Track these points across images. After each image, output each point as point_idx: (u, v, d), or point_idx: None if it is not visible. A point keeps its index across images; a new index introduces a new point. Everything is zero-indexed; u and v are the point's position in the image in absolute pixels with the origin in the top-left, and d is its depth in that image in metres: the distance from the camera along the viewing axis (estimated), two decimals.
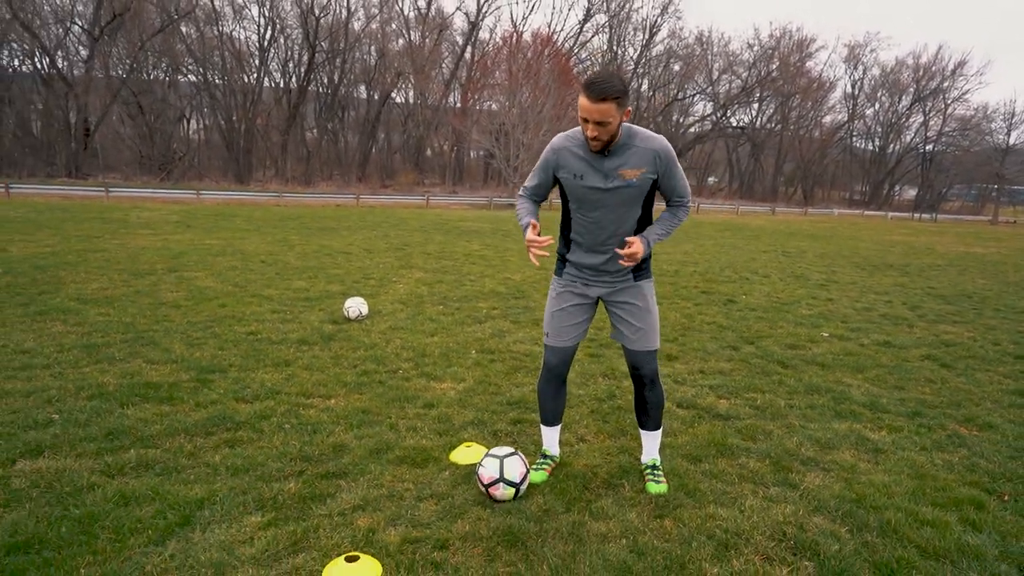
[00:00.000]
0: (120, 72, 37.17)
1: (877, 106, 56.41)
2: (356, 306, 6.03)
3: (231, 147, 40.44)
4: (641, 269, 2.84)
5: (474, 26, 45.02)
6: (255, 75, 41.09)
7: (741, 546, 2.47)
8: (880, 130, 56.87)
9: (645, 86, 51.54)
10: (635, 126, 2.58)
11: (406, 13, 45.33)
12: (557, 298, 2.90)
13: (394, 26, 44.49)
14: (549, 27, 48.35)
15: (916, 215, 46.77)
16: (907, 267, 12.75)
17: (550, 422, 3.07)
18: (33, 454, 3.01)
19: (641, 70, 50.69)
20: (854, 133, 58.10)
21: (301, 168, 42.35)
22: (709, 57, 52.10)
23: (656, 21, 51.51)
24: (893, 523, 2.66)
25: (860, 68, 60.13)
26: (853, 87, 56.41)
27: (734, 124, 54.12)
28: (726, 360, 5.14)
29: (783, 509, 2.76)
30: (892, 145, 57.00)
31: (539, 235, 2.64)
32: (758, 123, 54.57)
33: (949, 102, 54.06)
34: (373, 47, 44.31)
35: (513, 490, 2.72)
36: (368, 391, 4.08)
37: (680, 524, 2.62)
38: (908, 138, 56.69)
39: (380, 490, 2.80)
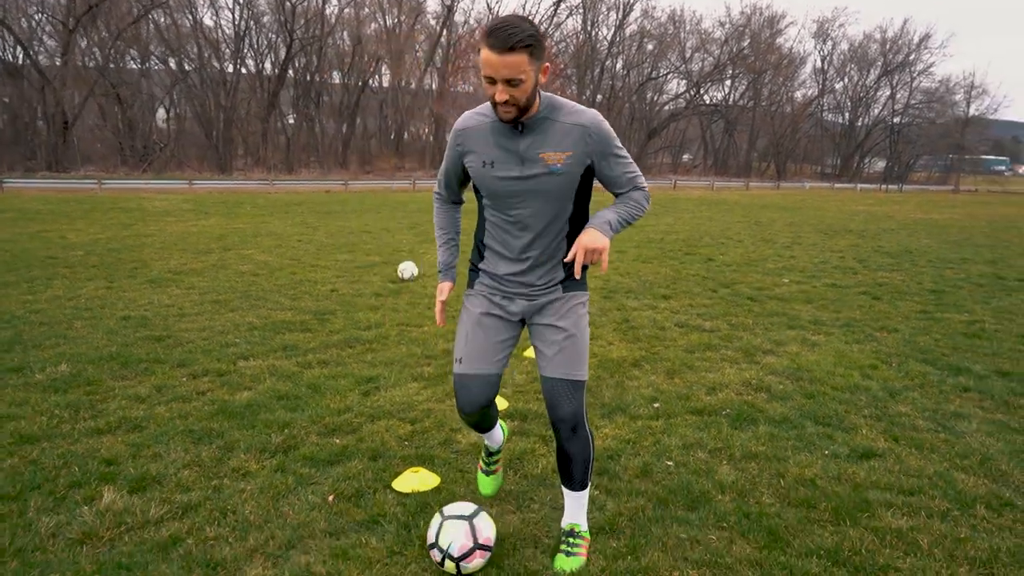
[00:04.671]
0: (94, 63, 37.49)
1: (846, 80, 58.45)
2: (409, 268, 7.43)
3: (210, 136, 41.08)
4: (571, 277, 2.19)
5: (449, 9, 45.88)
6: (231, 63, 41.65)
7: (724, 389, 3.98)
8: (850, 104, 58.94)
9: (620, 65, 52.92)
10: (560, 97, 2.07)
11: None
12: (469, 313, 2.26)
13: (367, 10, 45.18)
14: (524, 9, 49.23)
15: (884, 186, 48.90)
16: (864, 231, 14.40)
17: (486, 431, 2.47)
18: (244, 358, 4.41)
19: (615, 50, 52.02)
20: (824, 108, 60.13)
21: (280, 156, 43.12)
22: (682, 35, 53.55)
23: (629, 1, 52.73)
24: (818, 376, 4.20)
25: (829, 43, 62.34)
26: (823, 62, 58.36)
27: (707, 101, 55.74)
28: (707, 298, 6.66)
29: (749, 373, 4.28)
30: (861, 119, 59.13)
31: (445, 300, 2.36)
32: (731, 100, 56.28)
33: (915, 75, 56.31)
34: (346, 32, 44.99)
35: (453, 564, 2.17)
36: (451, 322, 5.50)
37: (683, 380, 4.13)
38: (876, 111, 58.89)
39: None
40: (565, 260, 2.05)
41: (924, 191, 46.82)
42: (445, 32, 46.72)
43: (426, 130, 49.75)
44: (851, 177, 55.70)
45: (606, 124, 2.07)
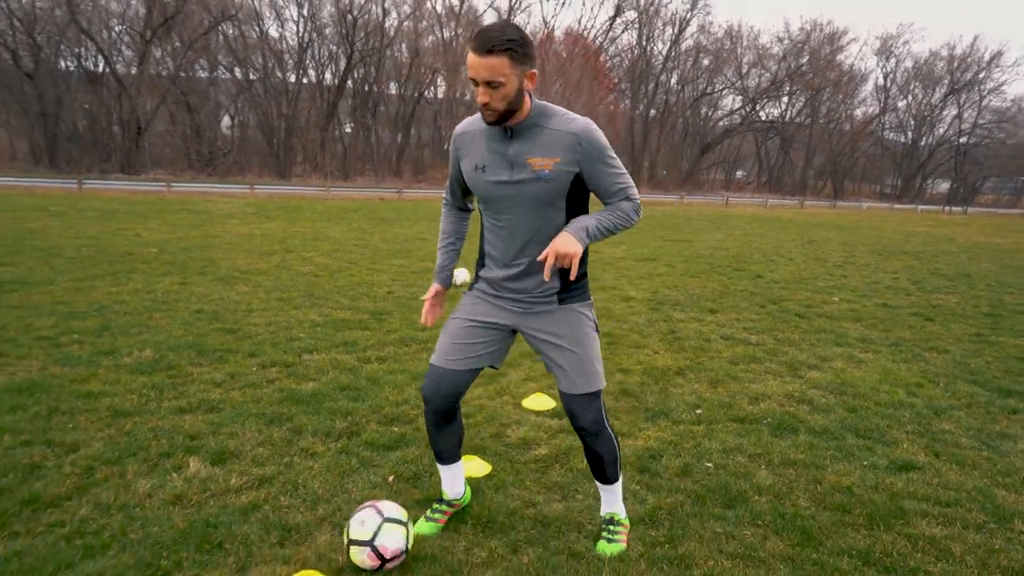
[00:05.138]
0: (167, 72, 39.43)
1: (910, 98, 56.78)
2: (462, 275, 7.68)
3: (271, 143, 42.60)
4: (568, 288, 2.24)
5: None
6: (293, 73, 43.15)
7: (766, 399, 4.08)
8: (913, 123, 57.18)
9: (674, 80, 52.70)
10: (553, 105, 2.12)
11: (438, 11, 47.01)
12: (456, 311, 2.40)
13: (425, 23, 46.21)
14: (579, 23, 49.72)
15: (947, 208, 47.18)
16: (921, 253, 14.05)
17: (444, 459, 2.54)
18: (308, 352, 4.72)
19: (671, 64, 51.82)
20: (886, 126, 58.51)
21: (337, 163, 44.35)
22: (738, 51, 53.02)
23: (685, 16, 52.52)
24: (862, 391, 4.25)
25: (892, 60, 60.78)
26: (885, 79, 56.87)
27: (763, 118, 54.95)
28: (755, 313, 6.71)
29: (792, 386, 4.35)
30: (925, 138, 57.29)
31: (435, 303, 2.48)
32: (787, 117, 55.31)
33: (984, 94, 54.33)
34: (404, 44, 46.08)
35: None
36: None
37: (726, 390, 4.23)
38: (941, 131, 56.98)
39: (535, 372, 4.45)
40: (539, 259, 2.05)
41: (991, 214, 44.96)
42: None
43: None
44: (912, 198, 53.95)
45: (598, 133, 2.09)
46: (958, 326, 6.46)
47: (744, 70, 53.33)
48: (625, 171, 2.16)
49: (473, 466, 3.00)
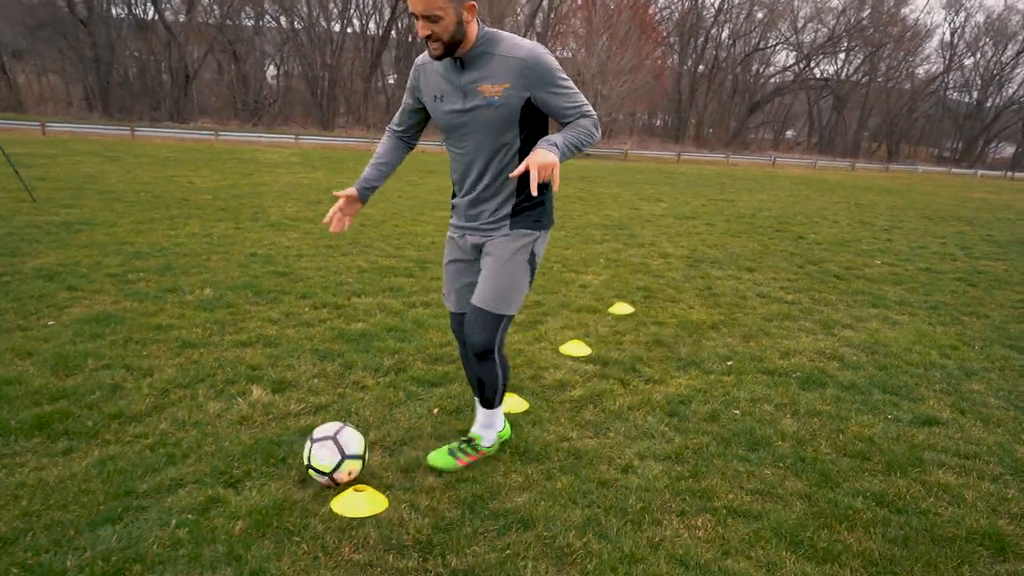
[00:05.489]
0: (214, 20, 39.71)
1: (979, 55, 53.78)
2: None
3: (315, 94, 42.81)
4: (519, 214, 2.32)
5: None
6: (337, 23, 43.00)
7: (797, 355, 4.18)
8: (979, 82, 54.27)
9: (725, 35, 50.90)
10: (502, 32, 2.16)
11: None
12: (445, 256, 2.56)
13: None
14: None
15: (1010, 174, 45.04)
16: (975, 219, 13.63)
17: (480, 391, 2.63)
18: (356, 295, 4.98)
19: (722, 18, 49.99)
20: (949, 85, 55.68)
21: (379, 115, 44.40)
22: (795, 4, 50.85)
23: None
24: (894, 351, 4.31)
25: (962, 14, 57.46)
26: (952, 35, 54.31)
27: (817, 75, 52.84)
28: (793, 273, 6.73)
29: (824, 343, 4.44)
30: (992, 98, 54.40)
31: (346, 210, 2.43)
32: (843, 74, 53.08)
33: None
34: None
35: (328, 478, 2.40)
36: (540, 278, 5.90)
37: (758, 344, 4.35)
38: (1011, 91, 53.96)
39: (572, 321, 4.62)
40: (511, 175, 2.04)
41: None
42: None
43: None
44: (972, 162, 51.63)
45: (546, 57, 2.12)
46: (1002, 292, 6.38)
47: (800, 24, 51.19)
48: (578, 91, 2.19)
49: (512, 403, 3.21)
